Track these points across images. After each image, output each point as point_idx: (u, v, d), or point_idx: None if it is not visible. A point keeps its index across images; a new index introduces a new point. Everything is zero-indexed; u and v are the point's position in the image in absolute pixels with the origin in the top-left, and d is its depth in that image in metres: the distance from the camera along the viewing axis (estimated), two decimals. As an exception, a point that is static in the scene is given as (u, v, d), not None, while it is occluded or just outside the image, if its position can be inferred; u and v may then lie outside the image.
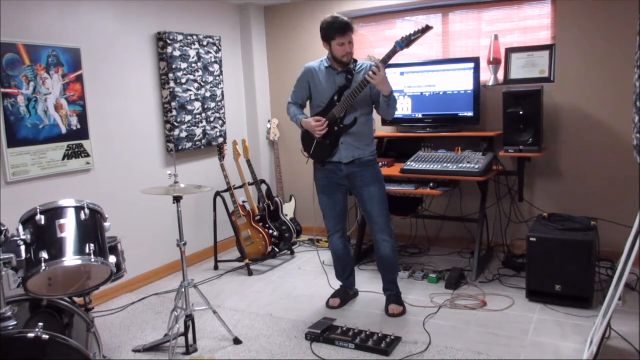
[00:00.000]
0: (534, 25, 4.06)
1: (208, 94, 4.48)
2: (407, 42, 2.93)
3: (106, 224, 2.48)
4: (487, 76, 4.12)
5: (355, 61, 3.21)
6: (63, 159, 3.45)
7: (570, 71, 3.90)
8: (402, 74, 4.31)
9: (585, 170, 3.96)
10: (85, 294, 2.63)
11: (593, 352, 2.38)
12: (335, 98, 3.17)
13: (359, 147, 3.21)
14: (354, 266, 3.62)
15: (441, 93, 4.20)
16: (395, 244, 3.35)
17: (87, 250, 2.26)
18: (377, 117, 3.93)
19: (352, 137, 3.19)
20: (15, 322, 2.08)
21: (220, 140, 4.63)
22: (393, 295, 3.38)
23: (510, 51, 4.02)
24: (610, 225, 3.67)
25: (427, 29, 2.90)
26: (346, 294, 3.53)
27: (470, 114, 4.09)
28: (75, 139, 3.51)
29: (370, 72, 2.94)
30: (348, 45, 3.08)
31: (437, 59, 4.36)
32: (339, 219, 3.41)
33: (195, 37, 4.31)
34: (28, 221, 2.27)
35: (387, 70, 3.02)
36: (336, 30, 3.05)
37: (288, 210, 4.97)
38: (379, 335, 2.92)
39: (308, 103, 3.39)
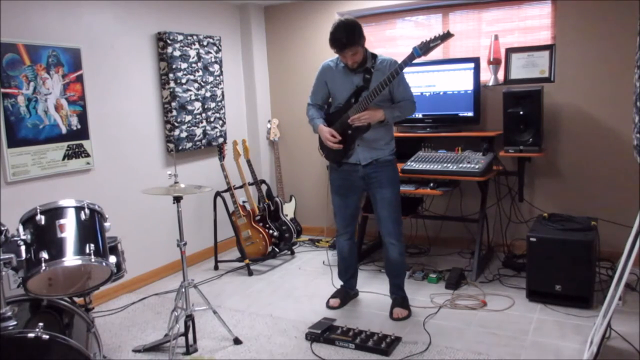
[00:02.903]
0: (534, 25, 4.06)
1: (208, 94, 4.48)
2: (425, 49, 2.75)
3: (106, 224, 2.48)
4: (487, 76, 4.13)
5: (375, 57, 3.08)
6: (63, 159, 3.45)
7: (570, 71, 3.90)
8: (402, 74, 4.31)
9: (585, 170, 3.96)
10: (85, 294, 2.63)
11: (593, 352, 2.38)
12: (353, 100, 3.07)
13: (376, 148, 3.14)
14: (357, 268, 3.60)
15: (441, 93, 4.20)
16: (404, 248, 3.28)
17: (87, 250, 2.26)
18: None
19: (369, 138, 3.11)
20: (15, 322, 2.08)
21: (220, 140, 4.63)
22: (398, 298, 3.33)
23: (510, 51, 4.03)
24: (610, 225, 3.67)
25: (447, 35, 2.72)
26: (346, 294, 3.52)
27: (470, 114, 4.09)
28: (75, 139, 3.51)
29: (355, 118, 2.97)
30: (350, 58, 2.98)
31: (437, 59, 4.35)
32: (349, 220, 3.37)
33: (195, 37, 4.31)
34: (28, 221, 2.27)
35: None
36: (333, 47, 2.96)
37: (288, 210, 4.96)
38: (379, 335, 2.92)
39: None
